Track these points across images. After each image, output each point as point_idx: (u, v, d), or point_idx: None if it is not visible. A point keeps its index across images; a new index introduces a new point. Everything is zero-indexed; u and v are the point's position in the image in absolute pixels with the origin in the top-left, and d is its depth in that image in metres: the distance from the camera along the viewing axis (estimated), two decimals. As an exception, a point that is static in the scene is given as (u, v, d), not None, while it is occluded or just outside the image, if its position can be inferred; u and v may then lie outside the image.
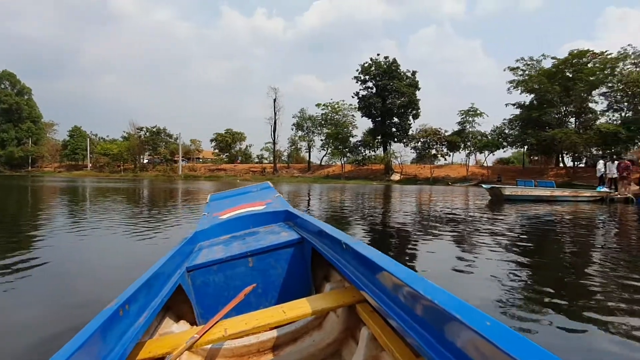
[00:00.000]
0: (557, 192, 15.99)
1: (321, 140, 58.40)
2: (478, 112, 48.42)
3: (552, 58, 45.57)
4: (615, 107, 43.59)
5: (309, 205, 12.84)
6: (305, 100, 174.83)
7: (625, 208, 13.03)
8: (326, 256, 1.78)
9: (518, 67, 46.69)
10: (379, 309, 1.21)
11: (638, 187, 17.33)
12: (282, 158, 65.91)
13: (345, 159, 55.85)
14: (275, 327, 1.60)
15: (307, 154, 61.34)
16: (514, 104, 47.75)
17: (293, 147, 61.80)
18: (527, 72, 46.50)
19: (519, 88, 46.27)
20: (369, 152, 54.60)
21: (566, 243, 5.97)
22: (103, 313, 1.08)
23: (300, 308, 1.48)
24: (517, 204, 13.33)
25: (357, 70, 52.90)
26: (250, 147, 73.60)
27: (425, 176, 48.04)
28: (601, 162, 18.79)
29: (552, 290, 3.27)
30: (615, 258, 4.70)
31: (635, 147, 41.15)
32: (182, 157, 64.83)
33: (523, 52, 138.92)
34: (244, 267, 2.08)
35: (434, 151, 50.41)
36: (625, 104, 42.30)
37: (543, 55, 46.46)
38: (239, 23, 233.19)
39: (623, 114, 42.89)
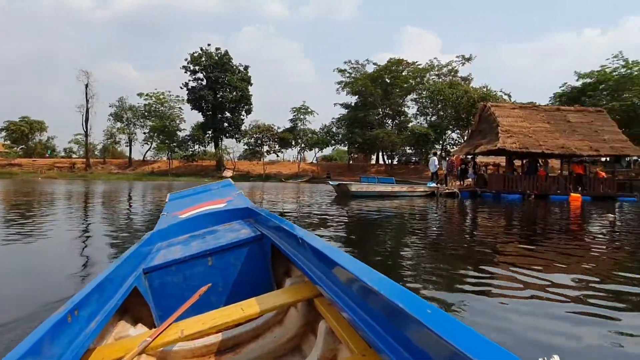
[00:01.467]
0: (397, 188, 17.08)
1: (144, 133, 53.15)
2: (309, 110, 50.04)
3: (374, 64, 49.95)
4: (423, 111, 49.84)
5: (130, 207, 10.79)
6: (122, 91, 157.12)
7: (451, 201, 14.55)
8: (285, 252, 1.81)
9: (345, 70, 49.78)
10: (333, 302, 1.22)
11: (459, 182, 19.19)
12: (96, 152, 57.70)
13: (172, 154, 51.73)
14: (236, 325, 1.60)
15: (128, 148, 54.90)
16: (341, 104, 50.78)
17: (110, 140, 54.35)
18: (353, 75, 49.88)
19: (346, 89, 49.36)
20: (200, 147, 51.57)
21: (402, 230, 6.86)
22: (49, 320, 1.03)
23: (259, 304, 1.48)
24: (363, 200, 13.86)
25: (186, 59, 49.71)
26: (53, 139, 63.11)
27: (258, 172, 47.43)
28: (435, 159, 20.23)
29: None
30: (435, 239, 5.98)
31: (439, 145, 47.53)
32: (-43, 149, 51.71)
33: (340, 57, 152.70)
34: (203, 267, 2.07)
35: (266, 147, 50.12)
36: (431, 109, 48.53)
37: (367, 60, 50.57)
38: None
39: (429, 118, 49.18)
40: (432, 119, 48.48)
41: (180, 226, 2.65)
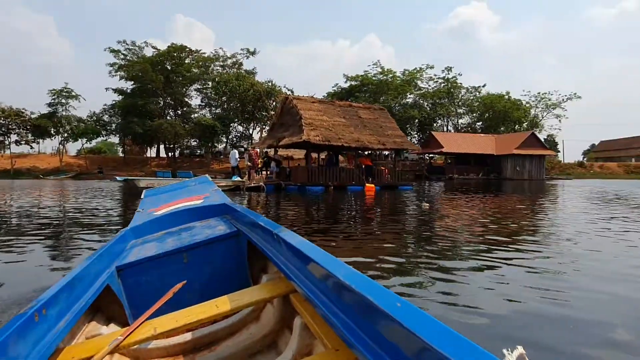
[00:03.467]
0: None
1: None
2: (73, 93, 43.55)
3: (154, 48, 46.51)
4: (208, 103, 49.07)
5: None
6: None
7: (257, 195, 14.22)
8: (261, 248, 1.81)
9: (119, 51, 44.93)
10: (308, 298, 1.23)
11: (259, 175, 18.69)
12: None
13: None
14: (212, 323, 1.62)
15: None
16: (115, 89, 45.77)
17: None
18: (129, 57, 45.43)
19: (121, 73, 44.67)
20: None
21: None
22: (15, 319, 1.04)
23: (234, 301, 1.48)
24: None
25: None
26: None
27: (2, 168, 39.02)
28: (235, 152, 19.29)
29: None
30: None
31: (225, 138, 47.73)
32: None
33: (108, 39, 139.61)
34: (178, 264, 2.06)
35: (15, 137, 41.67)
36: (216, 101, 48.04)
37: (145, 42, 46.73)
38: None
39: (214, 110, 48.70)
40: (218, 111, 48.15)
41: (155, 223, 2.63)
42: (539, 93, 54.97)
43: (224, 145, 48.36)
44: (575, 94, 56.78)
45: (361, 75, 51.94)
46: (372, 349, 0.84)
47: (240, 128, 49.71)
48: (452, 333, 0.68)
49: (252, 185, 16.57)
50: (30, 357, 1.02)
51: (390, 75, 51.67)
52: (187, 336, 1.61)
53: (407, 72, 52.79)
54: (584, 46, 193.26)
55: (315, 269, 1.18)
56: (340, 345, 1.11)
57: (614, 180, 40.09)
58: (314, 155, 22.35)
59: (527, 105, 54.82)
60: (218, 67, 49.31)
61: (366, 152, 21.06)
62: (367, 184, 17.26)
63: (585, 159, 65.02)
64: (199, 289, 2.05)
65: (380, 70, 51.65)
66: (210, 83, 47.49)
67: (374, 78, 51.42)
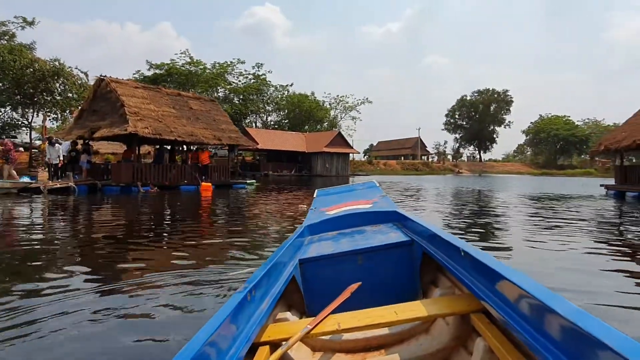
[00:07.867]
0: None
1: None
2: None
3: None
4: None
5: None
6: None
7: (64, 199, 11.89)
8: (439, 260, 1.80)
9: None
10: (502, 321, 1.21)
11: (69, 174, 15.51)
12: None
13: None
14: (382, 327, 1.66)
15: None
16: None
17: None
18: None
19: None
20: None
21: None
22: (235, 296, 1.26)
23: (411, 311, 1.50)
24: None
25: None
26: None
27: None
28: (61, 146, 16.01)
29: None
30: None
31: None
32: None
33: None
34: (352, 264, 2.15)
35: None
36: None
37: None
38: None
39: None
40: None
41: (329, 222, 2.86)
42: (337, 96, 61.89)
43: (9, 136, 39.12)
44: (367, 98, 65.88)
45: (167, 64, 49.02)
46: None
47: (14, 114, 40.82)
48: None
49: (58, 186, 13.88)
50: (245, 331, 1.23)
51: (201, 67, 50.30)
52: (359, 335, 1.68)
53: (217, 64, 52.25)
54: (362, 57, 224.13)
55: (518, 293, 1.12)
56: None
57: (395, 175, 48.31)
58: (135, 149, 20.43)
59: (328, 106, 61.02)
60: (-21, 37, 39.35)
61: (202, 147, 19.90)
62: (203, 183, 16.21)
63: (366, 157, 76.22)
64: (370, 292, 2.08)
65: (189, 60, 49.76)
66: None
67: (182, 68, 49.18)
